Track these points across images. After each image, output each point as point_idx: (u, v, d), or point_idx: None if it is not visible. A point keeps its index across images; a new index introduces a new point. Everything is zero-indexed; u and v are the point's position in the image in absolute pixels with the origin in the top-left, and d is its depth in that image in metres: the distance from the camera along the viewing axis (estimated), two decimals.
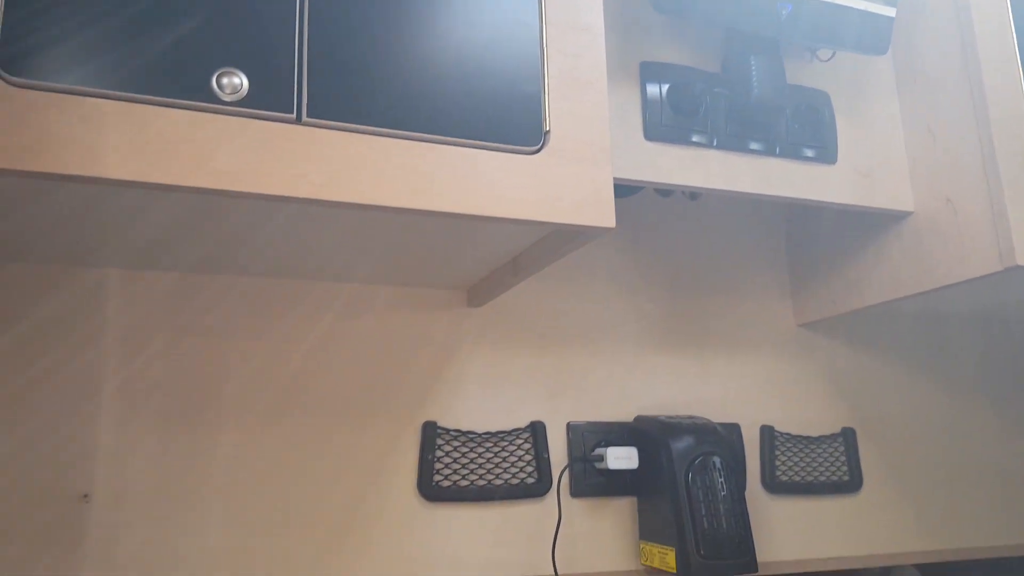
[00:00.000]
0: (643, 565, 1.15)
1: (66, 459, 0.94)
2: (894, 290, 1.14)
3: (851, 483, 1.31)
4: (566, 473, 1.15)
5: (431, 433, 1.09)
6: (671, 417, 1.17)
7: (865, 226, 1.18)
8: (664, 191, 1.30)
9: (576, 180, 0.78)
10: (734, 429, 1.25)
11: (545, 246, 0.90)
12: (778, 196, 1.03)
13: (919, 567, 1.69)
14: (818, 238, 1.31)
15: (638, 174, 0.95)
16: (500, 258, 0.99)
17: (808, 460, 1.29)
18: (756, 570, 1.10)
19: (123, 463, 0.96)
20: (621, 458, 1.13)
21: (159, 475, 0.97)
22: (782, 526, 1.24)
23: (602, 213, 0.79)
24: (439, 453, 1.09)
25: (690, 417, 1.18)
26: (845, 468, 1.31)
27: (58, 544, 0.92)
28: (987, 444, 1.43)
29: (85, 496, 0.94)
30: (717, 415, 1.25)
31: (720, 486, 1.11)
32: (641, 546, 1.15)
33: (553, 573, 1.09)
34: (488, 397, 1.13)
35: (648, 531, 1.14)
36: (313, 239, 0.90)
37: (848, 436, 1.32)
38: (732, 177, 1.00)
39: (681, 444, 1.11)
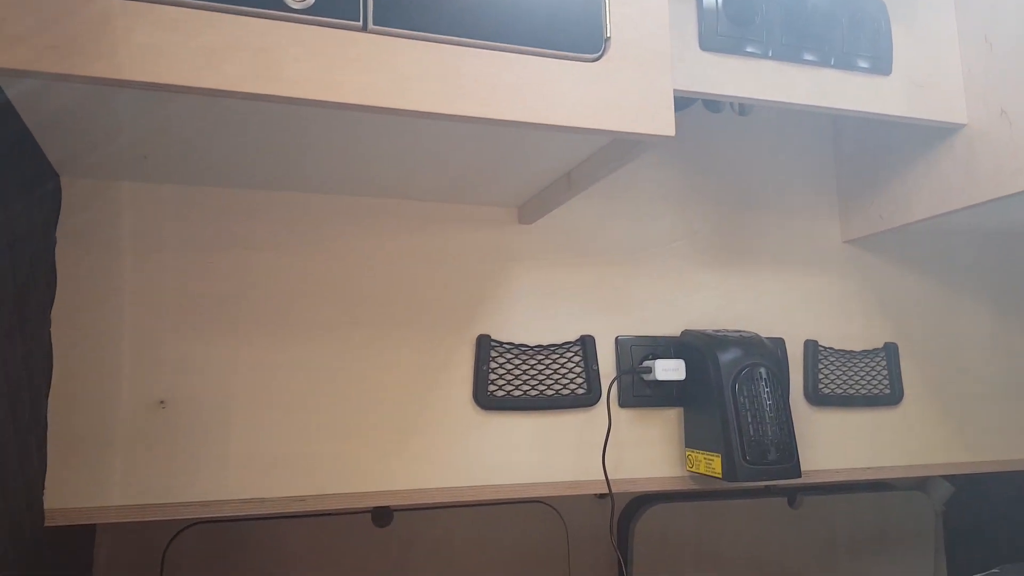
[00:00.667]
0: (688, 471, 1.19)
1: (143, 368, 0.99)
2: (943, 204, 1.14)
3: (891, 396, 1.33)
4: (615, 385, 1.18)
5: (485, 346, 1.12)
6: (718, 331, 1.19)
7: (915, 140, 1.17)
8: (714, 106, 1.29)
9: (636, 88, 0.79)
10: (779, 343, 1.27)
11: (601, 158, 0.92)
12: (832, 108, 1.02)
13: (953, 479, 1.73)
14: (866, 153, 1.30)
15: (693, 85, 0.95)
16: (555, 172, 1.00)
17: (850, 374, 1.31)
18: (799, 476, 1.14)
19: (197, 372, 1.00)
20: (669, 370, 1.16)
21: (229, 384, 1.02)
22: (823, 437, 1.27)
23: (662, 121, 0.79)
24: (493, 365, 1.13)
25: (737, 331, 1.20)
26: (886, 382, 1.33)
27: (137, 448, 0.98)
28: None
29: (161, 403, 0.99)
30: (762, 330, 1.27)
31: (765, 396, 1.13)
32: (687, 453, 1.19)
33: (603, 478, 1.14)
34: (539, 312, 1.16)
35: (694, 439, 1.18)
36: (373, 152, 0.92)
37: (891, 351, 1.34)
38: (786, 88, 0.99)
39: (728, 356, 1.14)
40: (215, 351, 1.01)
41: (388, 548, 1.47)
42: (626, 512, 1.63)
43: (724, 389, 1.12)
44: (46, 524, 0.94)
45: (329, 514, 1.43)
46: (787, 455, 1.13)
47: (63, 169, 0.96)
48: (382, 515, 1.47)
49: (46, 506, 0.94)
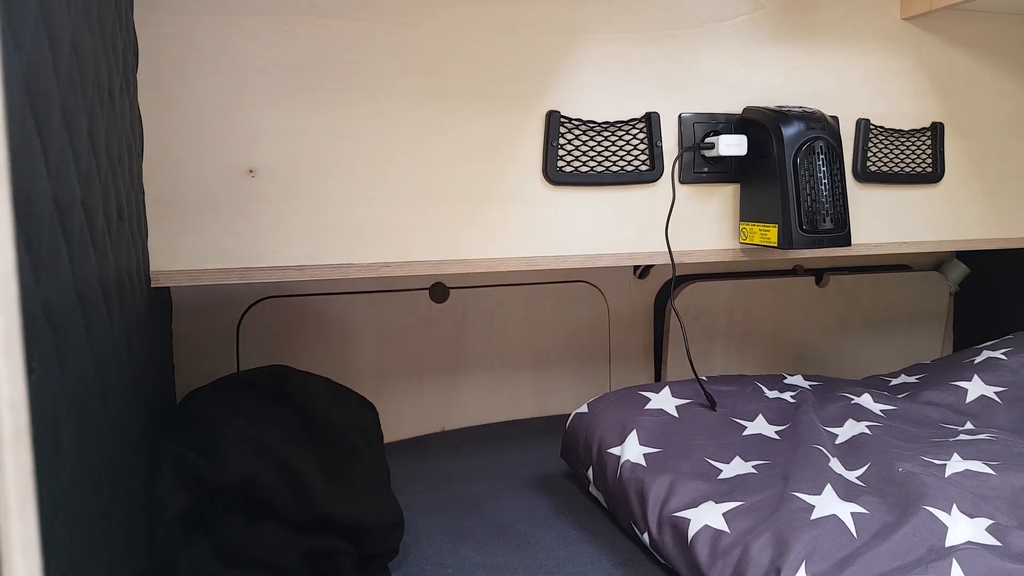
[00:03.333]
0: (742, 243, 1.26)
1: (230, 137, 1.01)
2: None
3: (933, 174, 1.38)
4: (678, 161, 1.21)
5: (555, 122, 1.14)
6: (782, 106, 1.21)
7: None
8: None
9: None
10: (834, 121, 1.30)
11: None
12: None
13: (969, 261, 1.82)
14: None
15: None
16: None
17: (897, 152, 1.35)
18: (849, 244, 1.21)
19: (283, 143, 1.03)
20: (731, 145, 1.19)
21: (314, 153, 1.04)
22: (868, 212, 1.33)
23: None
24: (562, 141, 1.15)
25: (799, 106, 1.22)
26: (930, 160, 1.37)
27: (230, 215, 1.02)
28: None
29: (250, 171, 1.02)
30: (818, 107, 1.29)
31: (822, 169, 1.18)
32: (741, 227, 1.25)
33: (665, 250, 1.20)
34: (606, 88, 1.17)
35: (750, 212, 1.24)
36: None
37: (937, 130, 1.37)
38: None
39: (792, 129, 1.17)
40: (299, 121, 1.03)
41: (444, 323, 1.57)
42: (663, 292, 1.72)
43: (786, 161, 1.16)
44: (152, 285, 1.00)
45: (391, 291, 1.51)
46: (840, 224, 1.19)
47: None
48: (439, 291, 1.56)
49: (152, 268, 0.99)
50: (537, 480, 1.32)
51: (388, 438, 1.33)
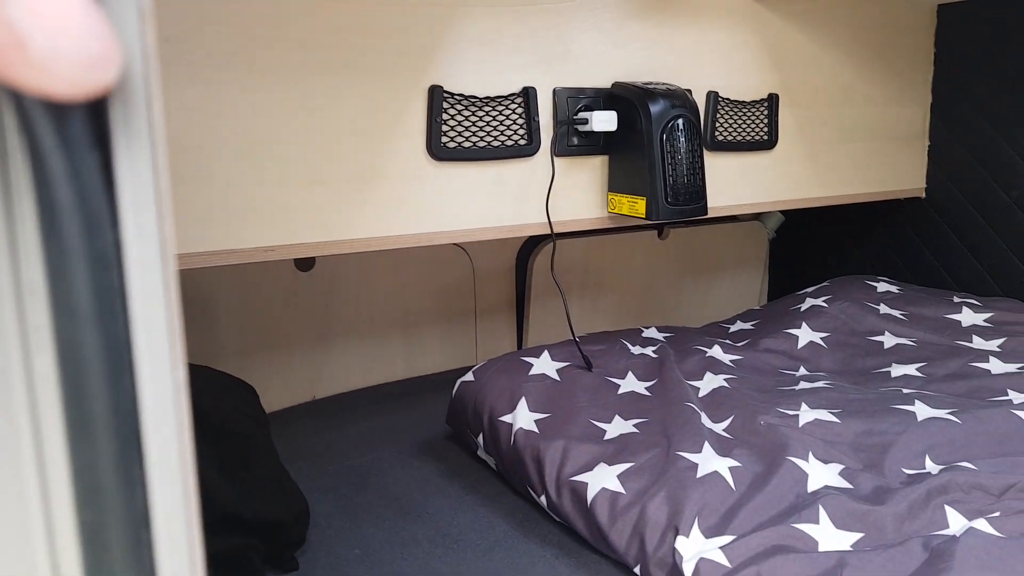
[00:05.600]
0: (610, 212, 1.33)
1: None
2: None
3: (769, 142, 1.52)
4: (553, 135, 1.25)
5: (438, 97, 1.13)
6: (647, 83, 1.28)
7: None
8: None
9: None
10: (689, 94, 1.39)
11: None
12: None
13: (785, 210, 2.02)
14: None
15: None
16: None
17: (740, 122, 1.47)
18: (707, 214, 1.32)
19: None
20: (604, 121, 1.24)
21: (183, 132, 0.97)
22: (717, 178, 1.44)
23: None
24: (445, 116, 1.15)
25: (663, 83, 1.29)
26: (766, 129, 1.51)
27: None
28: (876, 108, 1.67)
29: None
30: (675, 82, 1.37)
31: (685, 145, 1.26)
32: (609, 196, 1.32)
33: (544, 221, 1.25)
34: (485, 64, 1.18)
35: (618, 184, 1.31)
36: None
37: (772, 100, 1.51)
38: None
39: (657, 107, 1.24)
40: (170, 95, 0.95)
41: (311, 291, 1.53)
42: (523, 250, 1.78)
43: (653, 138, 1.23)
44: None
45: (253, 261, 1.45)
46: (699, 195, 1.29)
47: None
48: (305, 260, 1.52)
49: None
50: (422, 446, 1.35)
51: None
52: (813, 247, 2.07)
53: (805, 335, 1.47)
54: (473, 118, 1.18)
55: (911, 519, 0.93)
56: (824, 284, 1.68)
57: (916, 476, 1.01)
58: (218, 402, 1.04)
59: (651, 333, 1.51)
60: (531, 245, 1.77)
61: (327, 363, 1.57)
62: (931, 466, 1.03)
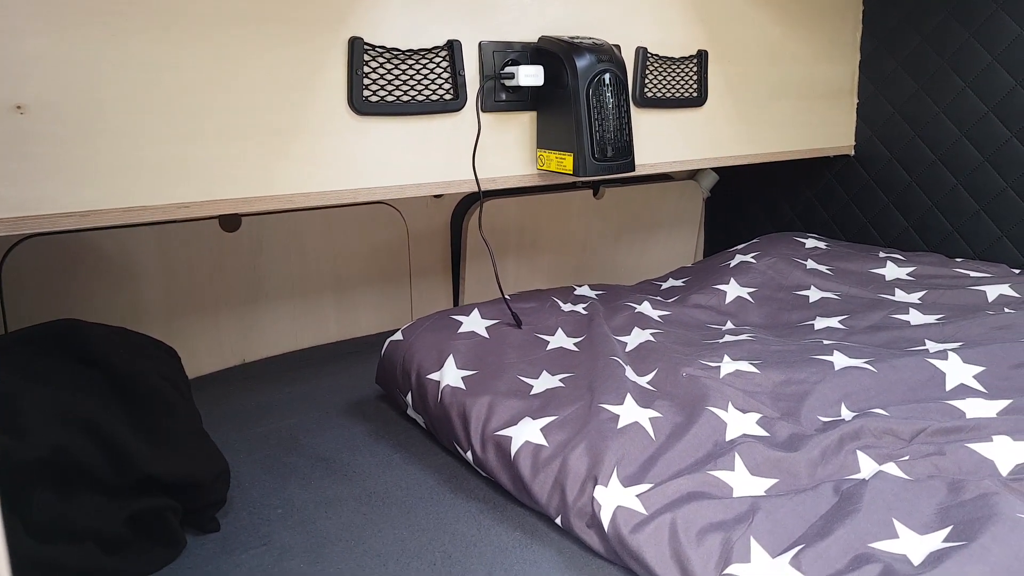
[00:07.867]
0: (539, 169, 1.32)
1: None
2: None
3: (699, 99, 1.52)
4: (480, 91, 1.23)
5: (359, 49, 1.10)
6: (574, 37, 1.26)
7: None
8: None
9: None
10: (617, 49, 1.38)
11: None
12: None
13: (719, 169, 2.04)
14: None
15: None
16: None
17: (670, 79, 1.47)
18: (634, 170, 1.32)
19: (54, 74, 0.90)
20: (530, 75, 1.23)
21: (93, 85, 0.93)
22: (646, 135, 1.45)
23: None
24: (367, 70, 1.12)
25: (589, 38, 1.28)
26: (696, 86, 1.51)
27: None
28: (805, 65, 1.69)
29: (18, 107, 0.89)
30: (604, 37, 1.36)
31: (612, 100, 1.26)
32: (538, 153, 1.32)
33: (471, 178, 1.24)
34: (408, 13, 1.15)
35: (546, 140, 1.30)
36: None
37: (702, 57, 1.51)
38: None
39: (584, 61, 1.23)
40: (72, 49, 0.91)
41: (238, 252, 1.50)
42: (458, 210, 1.77)
43: (579, 93, 1.22)
44: None
45: (176, 221, 1.41)
46: (626, 151, 1.29)
47: None
48: (230, 220, 1.48)
49: None
50: (351, 406, 1.34)
51: None
52: (747, 206, 2.10)
53: (733, 290, 1.49)
54: (396, 71, 1.15)
55: (824, 464, 0.95)
56: (754, 241, 1.71)
57: (831, 423, 1.03)
58: (134, 362, 1.01)
59: (583, 291, 1.51)
60: (466, 205, 1.75)
61: (256, 326, 1.54)
62: (846, 413, 1.06)
